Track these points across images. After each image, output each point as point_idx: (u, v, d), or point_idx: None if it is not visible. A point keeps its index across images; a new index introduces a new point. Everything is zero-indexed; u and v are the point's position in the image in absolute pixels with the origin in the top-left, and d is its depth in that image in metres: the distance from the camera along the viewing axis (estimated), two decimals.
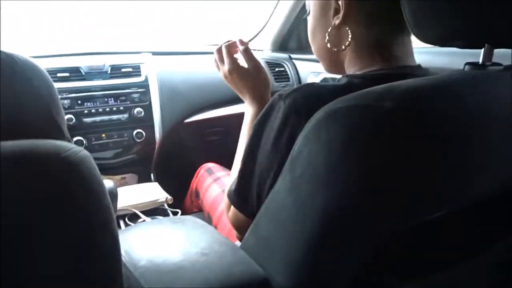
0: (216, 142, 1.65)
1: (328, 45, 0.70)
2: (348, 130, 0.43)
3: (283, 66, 1.79)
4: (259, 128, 0.68)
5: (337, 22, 0.67)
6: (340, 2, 0.66)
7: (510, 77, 0.49)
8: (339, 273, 0.46)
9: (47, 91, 0.52)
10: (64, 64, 1.39)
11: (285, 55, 1.85)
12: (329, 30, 0.69)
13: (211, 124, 1.59)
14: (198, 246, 0.59)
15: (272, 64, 1.78)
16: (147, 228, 0.70)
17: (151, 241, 0.62)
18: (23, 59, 0.51)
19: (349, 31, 0.67)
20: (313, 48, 0.77)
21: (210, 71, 1.64)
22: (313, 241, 0.44)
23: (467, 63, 0.53)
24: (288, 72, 1.78)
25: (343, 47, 0.68)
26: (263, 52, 1.88)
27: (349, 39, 0.67)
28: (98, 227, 0.34)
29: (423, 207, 0.43)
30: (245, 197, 0.69)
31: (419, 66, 0.68)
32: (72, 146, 0.35)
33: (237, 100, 1.53)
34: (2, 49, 0.49)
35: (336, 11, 0.67)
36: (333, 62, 0.74)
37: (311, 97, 0.62)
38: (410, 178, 0.41)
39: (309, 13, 0.75)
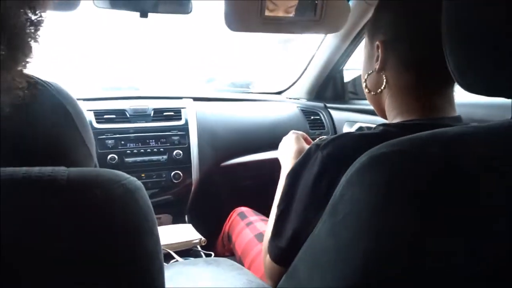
0: (249, 186, 1.67)
1: (365, 88, 0.75)
2: (392, 175, 0.43)
3: (318, 115, 1.82)
4: (294, 176, 0.70)
5: (376, 67, 0.71)
6: (379, 50, 0.70)
7: None
8: None
9: (78, 119, 0.55)
10: (110, 106, 1.48)
11: (320, 104, 1.89)
12: (368, 74, 0.74)
13: (245, 168, 1.62)
14: (234, 287, 0.59)
15: (307, 113, 1.81)
16: (182, 268, 0.71)
17: (187, 281, 0.63)
18: (57, 87, 0.55)
19: (384, 77, 0.70)
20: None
21: (246, 117, 1.72)
22: (354, 287, 0.43)
23: None
24: (323, 120, 1.81)
25: (379, 90, 0.71)
26: (299, 101, 1.93)
27: (384, 84, 0.70)
28: (150, 253, 0.35)
29: (464, 260, 0.42)
30: (282, 247, 0.69)
31: (458, 117, 0.68)
32: (128, 176, 0.37)
33: (271, 146, 1.57)
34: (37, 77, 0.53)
35: (377, 58, 0.71)
36: (374, 103, 0.78)
37: (348, 146, 0.63)
38: (456, 227, 0.41)
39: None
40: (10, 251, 0.29)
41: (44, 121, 0.50)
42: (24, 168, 0.32)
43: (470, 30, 0.49)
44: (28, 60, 0.41)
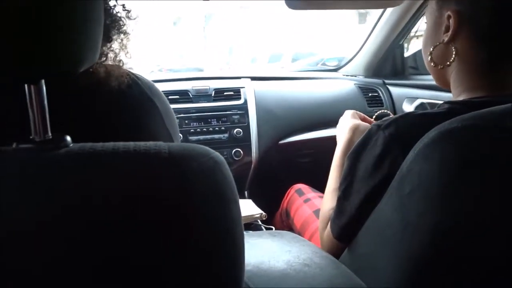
0: (307, 164, 1.69)
1: (430, 60, 0.71)
2: (464, 150, 0.43)
3: (376, 92, 1.79)
4: (356, 157, 0.70)
5: (445, 39, 0.67)
6: (451, 20, 0.66)
7: None
8: None
9: (166, 115, 0.60)
10: (175, 87, 1.56)
11: (378, 81, 1.85)
12: (435, 46, 0.70)
13: (303, 146, 1.64)
14: (300, 257, 0.62)
15: (365, 89, 1.79)
16: (249, 239, 0.76)
17: (255, 250, 0.67)
18: (144, 80, 0.60)
19: (453, 49, 0.67)
20: (424, 57, 0.77)
21: (303, 95, 1.73)
22: (421, 261, 0.44)
23: None
24: (382, 97, 1.77)
25: (448, 63, 0.68)
26: (356, 78, 1.90)
27: (453, 57, 0.67)
28: (234, 218, 0.39)
29: None
30: (344, 225, 0.71)
31: None
32: (214, 151, 0.41)
33: (328, 124, 1.57)
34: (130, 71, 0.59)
35: (447, 29, 0.67)
36: (438, 77, 0.75)
37: (411, 126, 0.62)
38: None
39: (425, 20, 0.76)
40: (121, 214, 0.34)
41: (133, 113, 0.56)
42: (132, 143, 0.37)
43: None
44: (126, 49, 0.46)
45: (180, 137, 1.47)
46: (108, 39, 0.52)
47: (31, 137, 0.37)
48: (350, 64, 2.01)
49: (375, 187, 0.64)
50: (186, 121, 1.49)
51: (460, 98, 0.68)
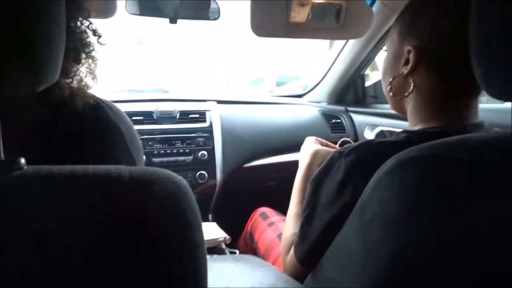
0: (271, 188, 1.70)
1: (389, 90, 0.74)
2: (422, 178, 0.44)
3: (339, 118, 1.84)
4: (318, 182, 0.71)
5: (405, 71, 0.70)
6: (411, 54, 0.68)
7: None
8: None
9: (126, 130, 0.60)
10: (139, 108, 1.54)
11: (341, 108, 1.91)
12: (394, 77, 0.73)
13: (267, 170, 1.65)
14: (263, 282, 0.62)
15: (328, 116, 1.84)
16: (212, 263, 0.74)
17: (218, 276, 0.66)
18: (109, 104, 0.60)
19: (411, 82, 0.69)
20: (383, 85, 0.80)
21: (268, 120, 1.75)
22: (382, 286, 0.45)
23: None
24: (344, 124, 1.83)
25: (406, 94, 0.71)
26: (320, 104, 1.95)
27: (411, 89, 0.70)
28: (197, 244, 0.39)
29: (494, 262, 0.43)
30: (307, 250, 0.71)
31: (481, 123, 0.69)
32: (177, 175, 0.41)
33: (293, 149, 1.60)
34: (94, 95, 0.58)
35: (407, 61, 0.70)
36: (396, 106, 0.78)
37: (371, 153, 0.65)
38: (482, 230, 0.42)
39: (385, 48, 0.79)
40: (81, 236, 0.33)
41: (96, 136, 0.55)
42: (91, 166, 0.36)
43: (497, 38, 0.50)
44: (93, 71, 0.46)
45: (143, 159, 1.44)
46: (77, 61, 0.52)
47: None
48: (315, 90, 2.07)
49: (338, 213, 0.65)
50: (150, 143, 1.47)
51: (417, 127, 0.71)
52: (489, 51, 0.52)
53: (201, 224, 0.42)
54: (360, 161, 0.64)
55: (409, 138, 0.66)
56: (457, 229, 0.42)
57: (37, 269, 0.32)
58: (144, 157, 1.43)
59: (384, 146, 0.66)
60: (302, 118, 1.81)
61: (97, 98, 0.58)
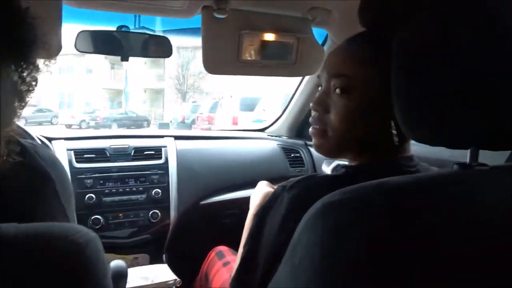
0: (229, 225, 1.66)
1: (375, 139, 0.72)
2: (342, 223, 0.45)
3: (298, 152, 1.85)
4: (262, 216, 0.71)
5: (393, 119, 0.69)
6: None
7: (495, 178, 0.52)
8: None
9: (57, 179, 0.56)
10: (91, 145, 1.49)
11: (300, 142, 1.92)
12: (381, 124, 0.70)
13: (225, 206, 1.62)
14: None
15: (287, 150, 1.85)
16: None
17: None
18: (40, 150, 0.56)
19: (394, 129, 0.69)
20: (346, 129, 0.76)
21: (227, 155, 1.74)
22: None
23: (455, 163, 0.56)
24: (303, 158, 1.84)
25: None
26: (280, 138, 1.96)
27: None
28: None
29: None
30: (246, 286, 0.70)
31: (411, 157, 0.71)
32: (80, 229, 0.39)
33: (251, 184, 1.58)
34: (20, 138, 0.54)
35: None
36: (353, 148, 0.76)
37: (313, 188, 0.65)
38: (396, 272, 0.42)
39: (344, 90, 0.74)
40: None
41: (19, 189, 0.51)
42: None
43: (414, 87, 0.53)
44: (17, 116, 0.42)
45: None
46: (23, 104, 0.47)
47: None
48: (275, 124, 2.09)
49: (280, 248, 0.63)
50: (101, 181, 1.42)
51: (354, 162, 0.74)
52: (408, 99, 0.54)
53: (106, 281, 0.39)
54: (301, 195, 0.64)
55: (347, 173, 0.68)
56: (373, 276, 0.42)
57: None
58: (94, 196, 1.39)
59: (325, 180, 0.67)
60: (262, 153, 1.81)
61: (24, 141, 0.55)
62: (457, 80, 0.49)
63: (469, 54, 0.49)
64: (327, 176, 0.69)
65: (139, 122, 16.53)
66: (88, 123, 14.80)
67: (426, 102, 0.52)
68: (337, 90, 0.70)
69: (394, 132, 0.69)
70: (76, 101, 22.33)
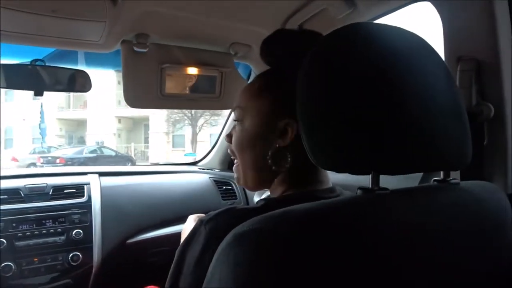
0: (158, 263, 1.59)
1: (268, 164, 0.71)
2: (252, 254, 0.45)
3: (230, 185, 1.85)
4: (182, 251, 0.69)
5: (281, 144, 0.70)
6: (289, 128, 0.69)
7: (394, 201, 0.55)
8: None
9: None
10: (4, 185, 1.38)
11: (232, 174, 1.92)
12: (273, 150, 0.71)
13: (154, 244, 1.55)
14: None
15: (219, 183, 1.84)
16: None
17: None
18: None
19: (288, 154, 0.70)
20: (246, 157, 0.77)
21: (156, 190, 1.69)
22: None
23: (359, 188, 0.58)
24: (235, 190, 1.84)
25: (284, 167, 0.70)
26: (211, 171, 1.95)
27: (288, 162, 0.70)
28: None
29: None
30: None
31: (332, 188, 0.74)
32: None
33: (182, 219, 1.53)
34: None
35: (282, 134, 0.70)
36: (265, 179, 0.76)
37: (230, 221, 0.64)
38: None
39: (239, 119, 0.76)
40: None
41: None
42: None
43: (314, 116, 0.56)
44: None
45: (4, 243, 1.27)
46: None
47: None
48: (208, 157, 2.08)
49: (196, 284, 0.62)
50: (14, 224, 1.30)
51: (274, 195, 0.75)
52: (311, 127, 0.56)
53: None
54: (218, 229, 0.63)
55: (266, 205, 0.68)
56: None
57: None
58: (4, 241, 1.27)
59: (243, 213, 0.66)
60: (193, 186, 1.78)
61: None
62: (351, 110, 0.53)
63: (361, 87, 0.53)
64: (246, 208, 0.68)
65: (121, 161, 14.20)
66: (42, 167, 10.90)
67: (327, 129, 0.55)
68: (235, 121, 0.75)
69: (270, 161, 0.70)
70: (18, 137, 19.27)
